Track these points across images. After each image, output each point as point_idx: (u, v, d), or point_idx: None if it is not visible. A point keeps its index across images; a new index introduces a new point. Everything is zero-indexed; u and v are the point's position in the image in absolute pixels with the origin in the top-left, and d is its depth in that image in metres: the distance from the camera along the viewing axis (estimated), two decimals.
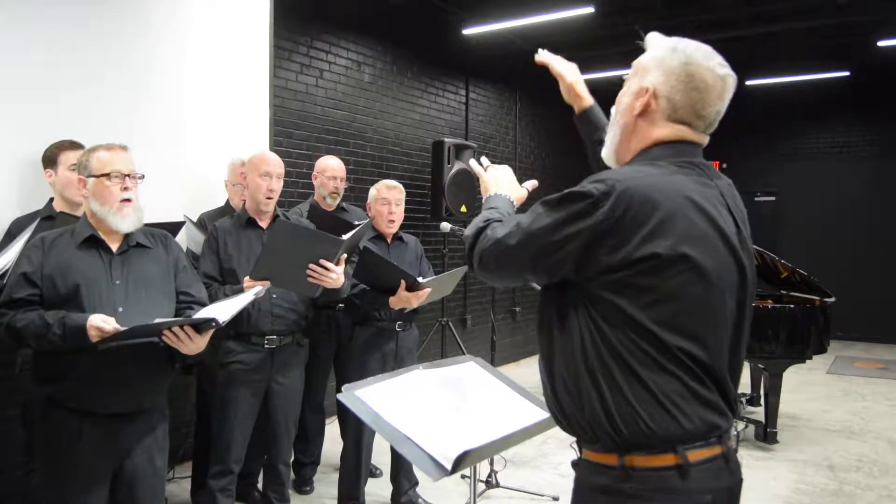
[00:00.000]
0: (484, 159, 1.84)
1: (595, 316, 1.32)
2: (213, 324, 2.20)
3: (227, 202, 3.74)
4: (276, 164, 3.13)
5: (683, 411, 1.29)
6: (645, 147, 1.42)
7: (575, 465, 1.45)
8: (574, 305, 1.36)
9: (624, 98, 1.47)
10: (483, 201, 1.69)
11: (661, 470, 1.29)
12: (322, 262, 2.80)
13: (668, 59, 1.40)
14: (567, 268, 1.34)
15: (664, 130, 1.41)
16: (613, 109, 1.51)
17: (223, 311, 2.31)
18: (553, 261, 1.35)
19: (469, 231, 1.55)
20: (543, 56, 1.90)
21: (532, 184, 1.83)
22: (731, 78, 1.41)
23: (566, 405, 1.39)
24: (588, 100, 1.87)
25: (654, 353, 1.29)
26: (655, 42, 1.46)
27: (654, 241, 1.27)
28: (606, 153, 1.52)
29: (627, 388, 1.29)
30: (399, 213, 3.57)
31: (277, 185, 3.11)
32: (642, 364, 1.29)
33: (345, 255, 2.91)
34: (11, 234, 2.82)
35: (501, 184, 1.71)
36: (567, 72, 1.87)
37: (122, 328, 2.08)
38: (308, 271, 2.79)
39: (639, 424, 1.28)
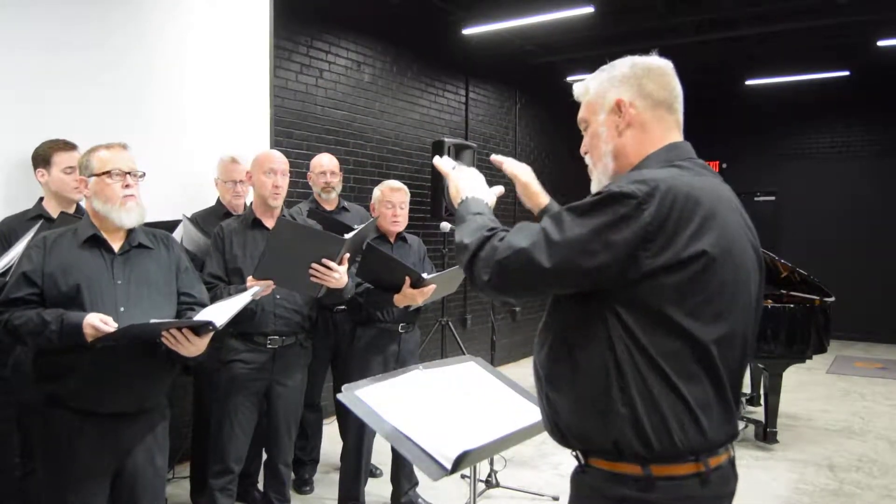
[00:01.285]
0: (447, 158, 1.75)
1: (630, 325, 1.27)
2: (211, 327, 2.20)
3: (218, 201, 3.74)
4: (281, 161, 3.15)
5: (712, 421, 1.29)
6: (648, 156, 1.41)
7: (578, 474, 1.40)
8: (601, 317, 1.30)
9: (599, 130, 1.45)
10: (460, 204, 1.57)
11: (684, 478, 1.29)
12: (324, 261, 2.80)
13: (614, 75, 1.44)
14: (605, 276, 1.27)
15: (655, 126, 1.42)
16: (588, 159, 1.50)
17: (221, 313, 2.30)
18: (590, 269, 1.26)
19: (467, 239, 1.42)
20: (497, 158, 1.84)
21: (499, 190, 1.70)
22: (668, 63, 1.46)
23: (590, 426, 1.33)
24: (544, 197, 1.81)
25: (691, 359, 1.27)
26: (584, 83, 1.50)
27: (702, 239, 1.26)
28: (601, 184, 1.45)
29: (663, 401, 1.27)
30: (403, 215, 3.57)
31: (283, 182, 3.13)
32: (679, 373, 1.27)
33: (348, 255, 2.91)
34: (1, 233, 2.80)
35: (476, 186, 1.62)
36: (521, 172, 1.81)
37: (120, 328, 2.09)
38: (311, 271, 2.79)
39: (672, 438, 1.27)
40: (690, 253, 1.25)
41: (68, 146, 2.89)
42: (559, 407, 1.39)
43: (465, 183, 1.63)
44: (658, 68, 1.43)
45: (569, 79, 8.54)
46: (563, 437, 1.40)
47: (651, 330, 1.27)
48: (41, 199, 2.94)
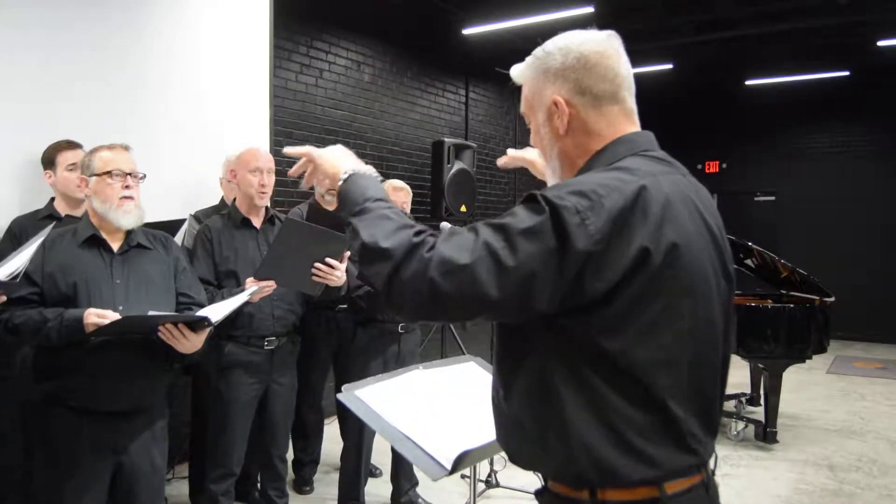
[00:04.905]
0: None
1: (566, 355, 1.14)
2: (206, 323, 2.21)
3: (222, 200, 3.74)
4: (266, 160, 3.11)
5: (667, 451, 1.15)
6: (594, 154, 1.25)
7: (539, 494, 1.29)
8: (531, 346, 1.17)
9: (541, 132, 1.29)
10: (345, 181, 1.28)
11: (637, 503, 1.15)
12: (328, 260, 2.81)
13: (548, 66, 1.26)
14: (544, 303, 1.09)
15: (600, 122, 1.24)
16: (538, 153, 1.35)
17: (218, 311, 2.32)
18: (531, 295, 1.08)
19: (385, 241, 1.13)
20: (503, 159, 1.72)
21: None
22: (612, 36, 1.27)
23: (528, 458, 1.24)
24: None
25: (637, 388, 1.13)
26: (520, 69, 1.34)
27: (650, 255, 1.10)
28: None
29: (604, 436, 1.13)
30: None
31: (269, 180, 3.09)
32: (624, 404, 1.13)
33: (348, 253, 2.92)
34: (12, 232, 2.82)
35: (346, 158, 1.35)
36: (529, 153, 1.67)
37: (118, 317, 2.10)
38: (314, 270, 2.80)
39: (614, 474, 1.14)
40: (633, 271, 1.09)
41: (72, 145, 2.91)
42: (499, 431, 1.29)
43: (333, 157, 1.35)
44: (595, 55, 1.23)
45: None
46: (518, 459, 1.28)
47: (590, 359, 1.12)
48: (52, 199, 2.97)
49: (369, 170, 1.32)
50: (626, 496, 1.15)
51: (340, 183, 1.29)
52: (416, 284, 1.09)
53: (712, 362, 1.24)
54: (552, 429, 1.17)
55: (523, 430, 1.22)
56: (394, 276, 1.11)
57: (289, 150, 1.44)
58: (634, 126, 1.28)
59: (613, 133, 1.25)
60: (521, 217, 1.10)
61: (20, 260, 2.10)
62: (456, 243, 1.10)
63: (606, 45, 1.25)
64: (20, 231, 2.78)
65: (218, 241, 3.02)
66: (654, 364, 1.14)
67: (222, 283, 2.99)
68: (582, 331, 1.12)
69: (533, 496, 1.31)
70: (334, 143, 4.96)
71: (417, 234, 1.13)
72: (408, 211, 3.58)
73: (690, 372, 1.18)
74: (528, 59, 1.33)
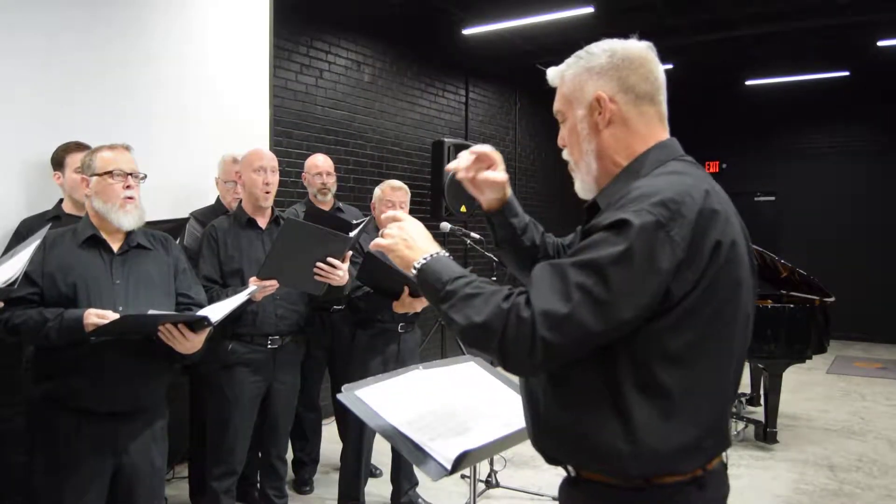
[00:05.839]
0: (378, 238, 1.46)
1: (637, 355, 1.18)
2: (206, 323, 2.21)
3: (218, 199, 3.74)
4: (270, 158, 3.14)
5: (712, 444, 1.24)
6: (638, 155, 1.31)
7: (571, 484, 1.34)
8: (604, 349, 1.20)
9: (578, 127, 1.34)
10: (420, 271, 1.31)
11: (683, 484, 1.22)
12: (330, 259, 2.81)
13: (592, 65, 1.32)
14: (642, 314, 1.15)
15: (639, 121, 1.31)
16: (566, 153, 1.40)
17: (218, 310, 2.32)
18: (639, 316, 1.15)
19: (478, 317, 1.17)
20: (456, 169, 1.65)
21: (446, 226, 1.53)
22: (650, 47, 1.34)
23: (586, 458, 1.26)
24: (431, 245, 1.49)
25: (696, 380, 1.20)
26: (559, 69, 1.39)
27: (720, 253, 1.18)
28: (585, 185, 1.38)
29: (668, 429, 1.18)
30: None
31: (273, 179, 3.11)
32: (683, 397, 1.19)
33: (350, 253, 2.93)
34: (20, 233, 2.83)
35: (423, 241, 1.38)
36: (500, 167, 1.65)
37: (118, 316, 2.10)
38: (316, 269, 2.81)
39: (672, 464, 1.21)
40: (707, 266, 1.17)
41: (80, 147, 2.90)
42: (535, 428, 1.33)
43: (414, 241, 1.38)
44: (639, 57, 1.31)
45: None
46: (551, 459, 1.33)
47: (660, 357, 1.18)
48: (61, 200, 2.97)
49: (436, 251, 1.35)
50: (678, 478, 1.22)
51: (415, 277, 1.34)
52: (526, 346, 1.13)
53: (744, 352, 1.33)
54: (611, 427, 1.20)
55: (566, 427, 1.26)
56: (502, 346, 1.15)
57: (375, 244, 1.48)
58: (665, 131, 1.36)
59: (650, 135, 1.32)
60: (607, 246, 1.14)
61: (17, 264, 2.10)
62: (549, 294, 1.14)
63: (648, 51, 1.34)
64: (28, 232, 2.78)
65: (223, 240, 3.05)
66: (721, 355, 1.23)
67: (227, 282, 3.01)
68: (652, 329, 1.17)
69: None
70: (334, 142, 4.96)
71: (506, 298, 1.17)
72: (406, 211, 3.58)
73: (738, 361, 1.29)
74: (569, 59, 1.38)
